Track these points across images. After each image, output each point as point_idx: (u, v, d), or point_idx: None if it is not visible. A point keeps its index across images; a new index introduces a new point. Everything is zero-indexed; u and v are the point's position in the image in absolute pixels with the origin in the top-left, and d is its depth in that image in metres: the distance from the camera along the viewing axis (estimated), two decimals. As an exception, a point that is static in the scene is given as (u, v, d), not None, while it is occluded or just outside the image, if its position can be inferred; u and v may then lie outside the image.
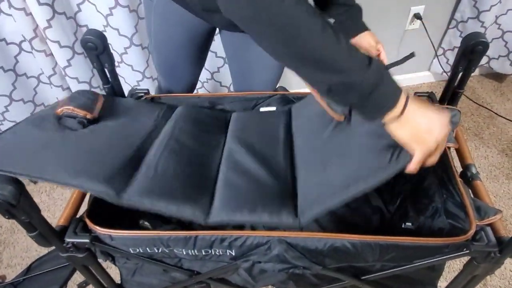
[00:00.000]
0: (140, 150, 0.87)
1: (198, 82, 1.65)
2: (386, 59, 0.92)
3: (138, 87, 1.06)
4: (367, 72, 0.53)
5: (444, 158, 0.91)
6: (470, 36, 0.89)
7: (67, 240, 0.76)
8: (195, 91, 1.57)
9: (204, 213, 0.78)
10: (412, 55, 0.84)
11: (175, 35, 1.01)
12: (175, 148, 0.89)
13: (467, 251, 0.74)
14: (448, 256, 0.76)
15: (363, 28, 0.96)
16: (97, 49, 0.93)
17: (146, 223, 1.03)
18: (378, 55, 0.95)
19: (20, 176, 0.69)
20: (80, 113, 0.85)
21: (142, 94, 1.06)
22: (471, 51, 0.90)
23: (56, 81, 1.51)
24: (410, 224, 1.01)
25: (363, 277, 0.85)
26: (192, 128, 0.97)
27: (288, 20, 0.49)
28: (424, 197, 0.99)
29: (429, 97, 1.04)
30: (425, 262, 0.77)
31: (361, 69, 0.53)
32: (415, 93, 1.06)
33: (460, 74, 0.98)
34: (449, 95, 1.03)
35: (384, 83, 0.55)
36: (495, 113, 1.75)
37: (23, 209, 0.67)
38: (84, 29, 1.43)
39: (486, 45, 0.89)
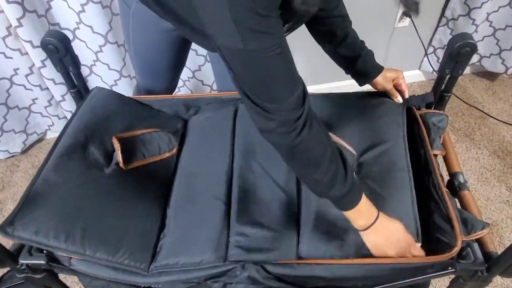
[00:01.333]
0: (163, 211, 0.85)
1: (179, 81, 1.60)
2: (406, 90, 0.96)
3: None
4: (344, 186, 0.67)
5: (430, 166, 0.86)
6: (457, 38, 0.84)
7: (21, 261, 0.70)
8: (176, 90, 1.52)
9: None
10: (430, 95, 0.97)
11: (154, 41, 0.97)
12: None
13: (453, 270, 0.69)
14: (433, 275, 0.71)
15: (380, 68, 0.94)
16: (58, 52, 0.86)
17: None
18: (399, 86, 0.95)
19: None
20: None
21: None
22: (458, 53, 0.85)
23: (34, 81, 1.45)
24: None
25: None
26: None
27: (312, 156, 0.65)
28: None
29: (414, 105, 0.97)
30: (409, 281, 0.72)
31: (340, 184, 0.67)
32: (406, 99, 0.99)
33: (448, 76, 0.93)
34: (436, 98, 0.98)
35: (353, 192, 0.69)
36: (486, 114, 1.70)
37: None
38: (57, 28, 1.37)
39: (473, 47, 0.84)
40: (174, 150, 0.95)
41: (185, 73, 1.59)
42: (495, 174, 1.51)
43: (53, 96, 1.46)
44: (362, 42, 0.90)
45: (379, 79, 0.93)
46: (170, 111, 1.03)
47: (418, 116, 0.94)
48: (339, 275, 0.70)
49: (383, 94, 0.97)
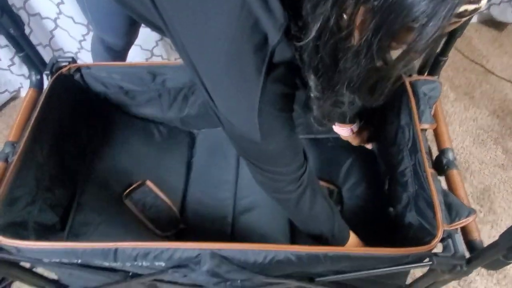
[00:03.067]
0: None
1: (147, 48, 1.47)
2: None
3: (62, 56, 0.89)
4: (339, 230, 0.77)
5: (416, 141, 0.78)
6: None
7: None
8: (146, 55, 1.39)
9: None
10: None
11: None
12: None
13: (430, 263, 0.64)
14: (408, 266, 0.66)
15: None
16: (-7, 13, 0.75)
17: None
18: None
19: None
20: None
21: (66, 64, 0.89)
22: (457, 12, 0.72)
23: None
24: (391, 209, 0.91)
25: (317, 279, 0.76)
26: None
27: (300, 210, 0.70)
28: (398, 183, 0.88)
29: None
30: (383, 271, 0.68)
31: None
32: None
33: (444, 38, 0.81)
34: (430, 63, 0.87)
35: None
36: (489, 71, 1.58)
37: None
38: (38, 18, 1.24)
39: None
40: (166, 233, 0.95)
41: (152, 37, 1.44)
42: (492, 136, 1.43)
43: (14, 55, 1.34)
44: None
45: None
46: (134, 80, 0.93)
47: (408, 85, 0.84)
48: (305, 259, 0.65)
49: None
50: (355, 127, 0.99)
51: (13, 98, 1.62)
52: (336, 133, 1.10)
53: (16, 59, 1.35)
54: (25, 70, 1.40)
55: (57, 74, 0.88)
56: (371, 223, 0.97)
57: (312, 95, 0.52)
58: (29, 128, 0.79)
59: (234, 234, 0.96)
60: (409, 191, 0.81)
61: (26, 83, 1.44)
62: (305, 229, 0.77)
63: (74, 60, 0.90)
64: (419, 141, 0.76)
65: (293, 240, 0.96)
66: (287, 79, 0.52)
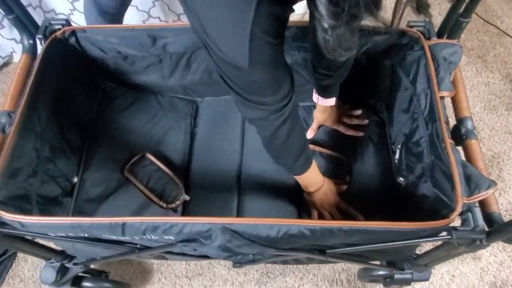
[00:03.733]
0: None
1: (144, 9, 1.38)
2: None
3: (55, 18, 0.83)
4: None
5: (435, 109, 0.74)
6: None
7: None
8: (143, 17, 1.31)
9: None
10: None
11: None
12: None
13: (448, 237, 0.62)
14: (425, 240, 0.64)
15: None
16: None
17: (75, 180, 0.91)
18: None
19: None
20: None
21: (60, 27, 0.83)
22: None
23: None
24: (402, 180, 0.89)
25: (328, 251, 0.75)
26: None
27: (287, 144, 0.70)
28: (412, 154, 0.85)
29: (422, 33, 0.81)
30: (398, 244, 0.66)
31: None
32: (409, 22, 0.83)
33: (468, -3, 0.75)
34: (450, 25, 0.81)
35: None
36: (504, 32, 1.51)
37: None
38: None
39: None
40: (171, 205, 0.93)
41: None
42: (504, 101, 1.38)
43: (3, 17, 1.26)
44: None
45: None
46: (133, 44, 0.87)
47: (427, 48, 0.78)
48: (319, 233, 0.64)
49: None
50: (334, 101, 0.93)
51: (5, 64, 1.55)
52: (344, 101, 1.06)
53: (6, 22, 1.27)
54: (16, 34, 1.32)
55: (51, 38, 0.82)
56: (379, 193, 0.95)
57: (325, 25, 0.47)
58: (25, 97, 0.74)
59: (240, 204, 0.94)
60: (424, 162, 0.78)
61: (18, 48, 1.37)
62: (274, 156, 0.77)
63: (68, 23, 0.84)
64: (438, 110, 0.72)
65: (300, 209, 0.94)
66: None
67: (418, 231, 0.62)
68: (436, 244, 0.72)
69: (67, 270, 0.92)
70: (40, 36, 0.82)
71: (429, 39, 0.81)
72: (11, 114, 0.76)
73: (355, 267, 1.12)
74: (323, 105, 0.94)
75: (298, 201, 0.95)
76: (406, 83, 0.88)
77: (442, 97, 0.75)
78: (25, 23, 0.82)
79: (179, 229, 0.62)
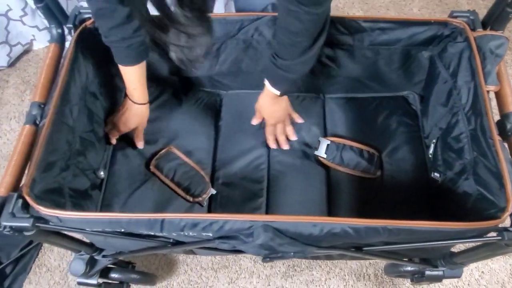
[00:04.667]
0: None
1: None
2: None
3: (85, 7, 0.81)
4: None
5: (479, 103, 0.71)
6: None
7: (3, 223, 0.61)
8: None
9: None
10: None
11: None
12: None
13: (499, 238, 0.60)
14: (473, 240, 0.62)
15: None
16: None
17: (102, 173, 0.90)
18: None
19: None
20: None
21: (90, 16, 0.81)
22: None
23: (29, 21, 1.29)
24: (438, 175, 0.86)
25: (365, 249, 0.73)
26: None
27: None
28: (451, 149, 0.82)
29: (467, 22, 0.78)
30: (441, 244, 0.64)
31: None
32: (452, 12, 0.80)
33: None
34: (495, 16, 0.78)
35: None
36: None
37: None
38: None
39: None
40: (198, 199, 0.92)
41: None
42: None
43: (27, 3, 1.24)
44: None
45: None
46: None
47: (473, 40, 0.75)
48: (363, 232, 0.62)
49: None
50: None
51: (26, 52, 1.54)
52: (375, 92, 1.03)
53: (28, 9, 1.26)
54: (38, 21, 1.31)
55: (81, 27, 0.80)
56: (412, 188, 0.93)
57: None
58: (58, 89, 0.73)
59: (269, 198, 0.93)
60: (465, 158, 0.76)
61: (39, 35, 1.36)
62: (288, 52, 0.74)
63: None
64: (486, 105, 0.69)
65: (330, 206, 0.92)
66: None
67: (465, 231, 0.60)
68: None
69: (96, 262, 0.91)
70: (70, 25, 0.80)
71: (473, 30, 0.77)
72: (42, 106, 0.75)
73: (382, 262, 1.10)
74: (268, 89, 0.84)
75: (328, 196, 0.93)
76: (445, 76, 0.85)
77: (487, 91, 0.72)
78: (54, 11, 0.80)
79: (219, 226, 0.60)
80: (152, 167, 0.94)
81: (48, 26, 0.82)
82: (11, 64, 1.51)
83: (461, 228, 0.59)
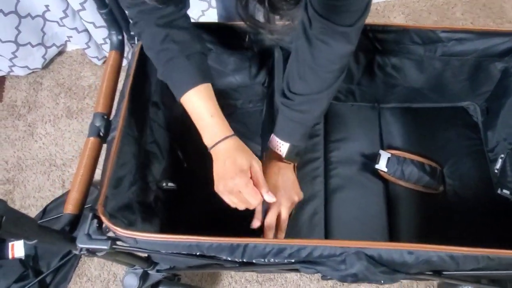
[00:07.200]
0: None
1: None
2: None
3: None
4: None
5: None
6: None
7: (79, 246, 0.58)
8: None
9: None
10: None
11: None
12: None
13: None
14: None
15: None
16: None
17: (170, 184, 0.86)
18: None
19: None
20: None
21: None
22: None
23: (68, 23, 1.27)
24: (508, 192, 0.82)
25: (445, 273, 0.69)
26: None
27: None
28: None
29: None
30: None
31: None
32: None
33: None
34: None
35: None
36: None
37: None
38: None
39: None
40: None
41: None
42: None
43: (68, 4, 1.21)
44: None
45: None
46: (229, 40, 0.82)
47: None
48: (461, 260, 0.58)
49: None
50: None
51: (60, 53, 1.51)
52: (433, 102, 0.99)
53: (70, 11, 1.23)
54: (78, 23, 1.28)
55: (145, 34, 0.77)
56: (478, 205, 0.89)
57: None
58: (125, 100, 0.69)
59: (327, 214, 0.88)
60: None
61: (77, 37, 1.33)
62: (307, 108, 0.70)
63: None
64: None
65: (390, 220, 0.88)
66: None
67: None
68: None
69: (148, 276, 0.89)
70: (133, 33, 0.77)
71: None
72: (105, 116, 0.72)
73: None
74: (272, 148, 0.74)
75: (388, 212, 0.89)
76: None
77: None
78: (117, 18, 0.76)
79: (308, 252, 0.57)
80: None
81: (108, 32, 0.79)
82: (45, 66, 1.49)
83: None
